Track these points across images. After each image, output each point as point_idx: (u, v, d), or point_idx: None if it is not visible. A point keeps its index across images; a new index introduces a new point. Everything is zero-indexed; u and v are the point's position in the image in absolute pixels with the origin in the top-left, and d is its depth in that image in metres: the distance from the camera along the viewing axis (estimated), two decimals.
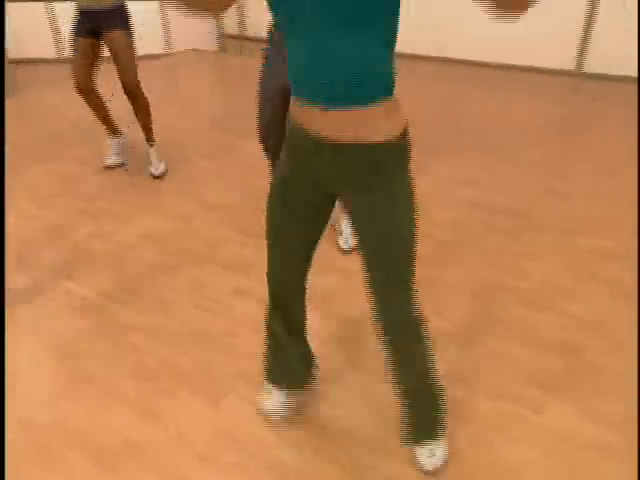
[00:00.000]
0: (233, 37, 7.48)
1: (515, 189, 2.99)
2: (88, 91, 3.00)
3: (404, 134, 1.11)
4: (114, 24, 2.83)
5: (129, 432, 1.62)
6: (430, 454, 1.45)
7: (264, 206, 2.75)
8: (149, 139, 3.25)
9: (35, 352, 1.93)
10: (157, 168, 3.25)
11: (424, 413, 1.42)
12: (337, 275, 2.31)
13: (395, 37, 1.02)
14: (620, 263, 2.34)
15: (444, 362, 1.83)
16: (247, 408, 1.69)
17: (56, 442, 1.59)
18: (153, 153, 3.27)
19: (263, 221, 2.72)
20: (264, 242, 2.57)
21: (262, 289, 2.25)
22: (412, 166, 3.29)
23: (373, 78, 1.01)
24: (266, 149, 2.32)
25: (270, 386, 1.65)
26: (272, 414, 1.64)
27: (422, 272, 2.31)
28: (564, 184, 3.06)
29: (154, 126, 3.15)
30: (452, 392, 1.72)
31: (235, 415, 1.67)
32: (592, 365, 1.82)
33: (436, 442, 1.47)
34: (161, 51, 6.43)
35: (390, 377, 1.44)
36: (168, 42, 6.51)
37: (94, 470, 1.51)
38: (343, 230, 2.49)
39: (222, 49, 6.99)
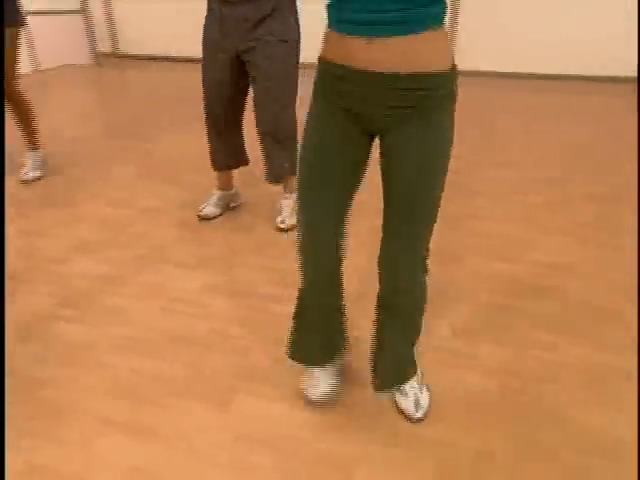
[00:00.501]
0: (107, 55, 6.99)
1: None
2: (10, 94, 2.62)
3: (454, 66, 1.05)
4: None
5: (130, 459, 1.31)
6: (416, 404, 1.40)
7: (200, 199, 2.52)
8: (32, 142, 2.82)
9: None
10: (27, 173, 2.85)
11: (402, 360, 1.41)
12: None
13: None
14: (566, 212, 2.53)
15: (450, 319, 1.79)
16: (262, 405, 1.47)
17: None
18: (30, 160, 2.86)
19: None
20: (214, 234, 2.34)
21: (230, 282, 2.02)
22: None
23: (428, 3, 0.94)
24: (212, 116, 2.21)
25: (313, 369, 1.46)
26: (325, 399, 1.43)
27: None
28: (470, 155, 3.30)
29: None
30: (472, 349, 1.67)
31: (252, 416, 1.43)
32: (582, 302, 1.91)
33: (414, 384, 1.44)
34: (29, 70, 5.74)
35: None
36: (35, 60, 5.85)
37: None
38: (283, 209, 2.39)
39: (98, 63, 6.47)
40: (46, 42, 5.84)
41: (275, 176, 2.29)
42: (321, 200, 1.17)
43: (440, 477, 1.26)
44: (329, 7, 1.01)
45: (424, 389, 1.45)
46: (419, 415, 1.39)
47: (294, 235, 2.25)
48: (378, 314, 1.36)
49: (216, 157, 2.35)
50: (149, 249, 2.24)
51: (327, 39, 1.05)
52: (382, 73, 0.98)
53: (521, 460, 1.30)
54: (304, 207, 1.20)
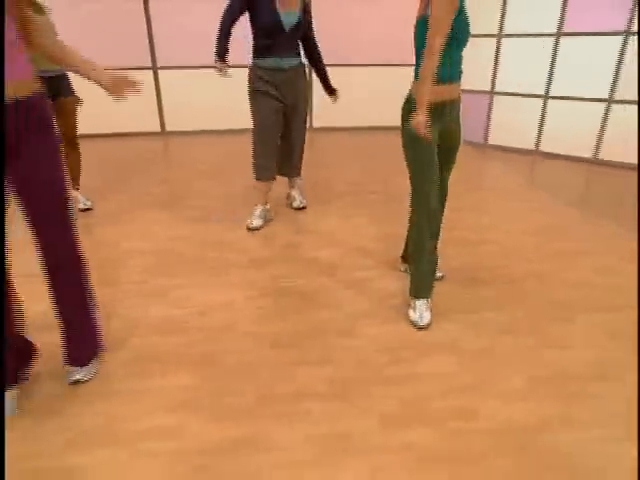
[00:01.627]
0: None
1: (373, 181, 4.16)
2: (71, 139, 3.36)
3: None
4: (66, 89, 3.17)
5: (329, 375, 1.93)
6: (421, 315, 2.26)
7: (210, 228, 3.08)
8: (78, 184, 3.52)
9: None
10: (85, 203, 3.51)
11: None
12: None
13: None
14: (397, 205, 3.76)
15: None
16: (380, 329, 2.20)
17: None
18: (78, 195, 3.52)
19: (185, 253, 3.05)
20: (251, 242, 2.93)
21: (293, 268, 2.65)
22: None
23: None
24: (267, 144, 3.03)
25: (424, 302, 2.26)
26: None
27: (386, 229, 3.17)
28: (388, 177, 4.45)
29: None
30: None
31: (378, 335, 2.15)
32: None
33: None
34: None
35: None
36: None
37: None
38: (296, 196, 3.52)
39: None
40: None
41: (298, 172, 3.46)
42: (436, 179, 2.08)
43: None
44: (445, 72, 1.96)
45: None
46: (424, 323, 2.27)
47: (314, 234, 3.03)
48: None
49: (264, 171, 3.09)
50: (216, 261, 2.75)
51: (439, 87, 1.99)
52: (454, 100, 2.05)
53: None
54: (430, 191, 2.08)
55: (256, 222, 3.13)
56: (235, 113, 6.12)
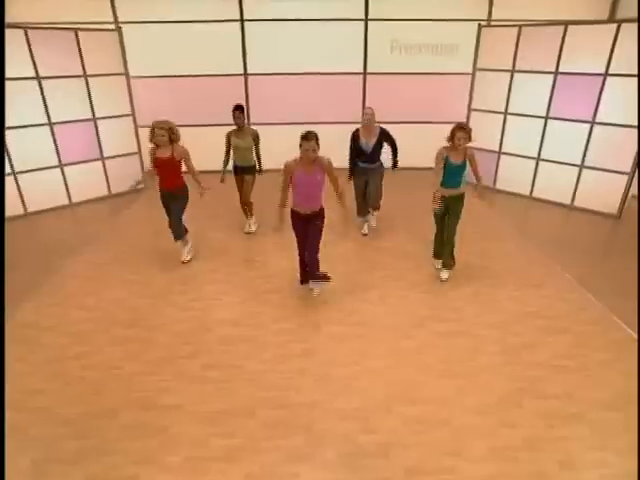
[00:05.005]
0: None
1: None
2: (246, 201, 5.68)
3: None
4: (251, 171, 5.55)
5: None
6: (445, 275, 4.56)
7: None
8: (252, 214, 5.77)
9: None
10: (252, 225, 5.85)
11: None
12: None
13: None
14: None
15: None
16: (398, 293, 4.21)
17: None
18: (253, 220, 5.82)
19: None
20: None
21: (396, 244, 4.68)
22: None
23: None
24: (360, 195, 5.47)
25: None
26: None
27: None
28: None
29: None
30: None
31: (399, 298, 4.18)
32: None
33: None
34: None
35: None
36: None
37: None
38: (371, 220, 5.81)
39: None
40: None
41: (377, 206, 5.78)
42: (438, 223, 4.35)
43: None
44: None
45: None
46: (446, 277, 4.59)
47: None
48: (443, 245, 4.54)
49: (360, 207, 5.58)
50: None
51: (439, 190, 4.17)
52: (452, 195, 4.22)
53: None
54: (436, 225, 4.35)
55: (361, 220, 5.79)
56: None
